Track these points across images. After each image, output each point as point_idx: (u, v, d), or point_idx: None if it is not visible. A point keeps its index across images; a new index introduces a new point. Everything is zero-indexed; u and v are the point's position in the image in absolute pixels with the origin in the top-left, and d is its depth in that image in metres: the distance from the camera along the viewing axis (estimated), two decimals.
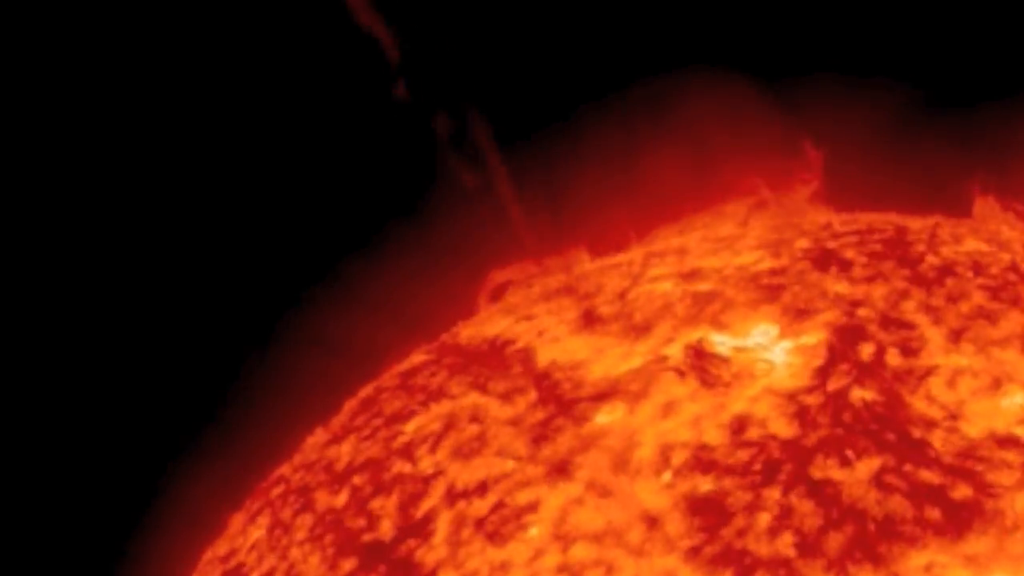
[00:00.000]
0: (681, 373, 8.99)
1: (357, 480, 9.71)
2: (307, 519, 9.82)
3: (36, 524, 12.46)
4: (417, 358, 11.00)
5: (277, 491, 10.62)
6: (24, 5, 12.20)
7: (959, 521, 8.04)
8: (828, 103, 12.76)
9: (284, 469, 11.09)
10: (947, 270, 9.85)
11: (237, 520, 10.91)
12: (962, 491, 8.16)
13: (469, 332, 11.05)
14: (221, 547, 10.75)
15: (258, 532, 10.26)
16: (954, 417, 8.57)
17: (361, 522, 9.29)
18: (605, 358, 9.47)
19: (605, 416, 8.93)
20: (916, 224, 11.02)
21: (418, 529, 8.93)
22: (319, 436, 11.00)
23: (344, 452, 10.24)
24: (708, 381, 8.88)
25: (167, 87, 12.49)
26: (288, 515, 9.99)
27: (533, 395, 9.32)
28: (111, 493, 12.53)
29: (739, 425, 8.59)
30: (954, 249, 10.23)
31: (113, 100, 12.50)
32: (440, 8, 12.66)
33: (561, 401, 9.20)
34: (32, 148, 12.59)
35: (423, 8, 12.60)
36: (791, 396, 8.70)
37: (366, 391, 11.24)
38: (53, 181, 12.65)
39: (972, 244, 10.38)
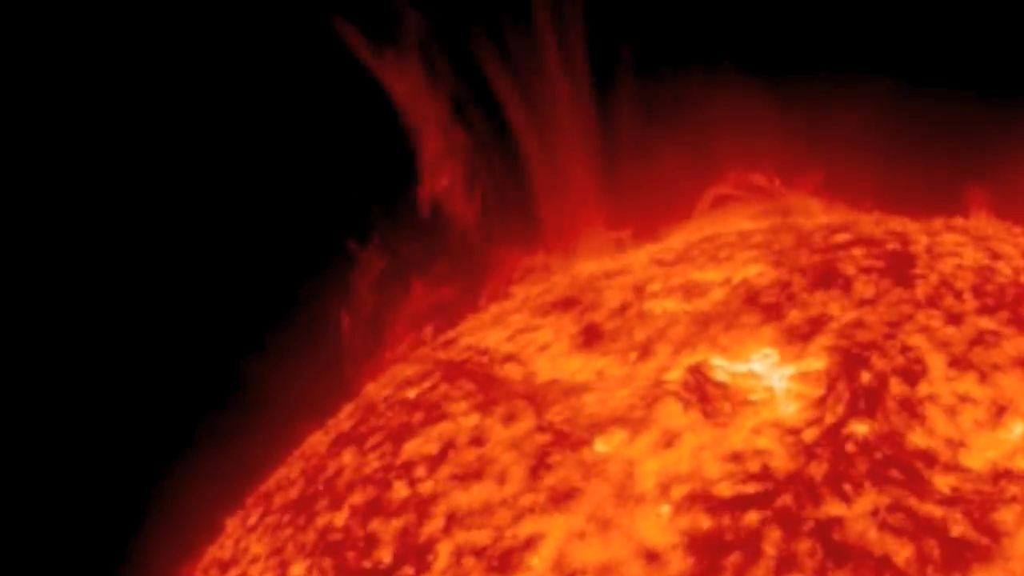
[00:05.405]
0: (682, 400, 8.96)
1: (357, 498, 9.69)
2: (309, 536, 9.81)
3: (37, 525, 12.48)
4: (418, 367, 10.94)
5: (277, 500, 10.61)
6: (24, 5, 12.11)
7: (960, 559, 8.04)
8: (829, 103, 12.70)
9: (283, 472, 11.07)
10: (947, 286, 9.80)
11: (237, 526, 10.90)
12: (963, 528, 8.15)
13: (469, 340, 10.99)
14: (221, 556, 10.74)
15: (258, 547, 10.24)
16: (955, 449, 8.54)
17: (360, 544, 9.28)
18: (606, 381, 9.44)
19: (605, 445, 8.91)
20: (916, 229, 10.95)
21: (418, 556, 8.93)
22: (318, 442, 10.97)
23: (344, 465, 10.20)
24: (708, 411, 8.85)
25: (153, 104, 12.46)
26: (289, 532, 9.98)
27: (533, 419, 9.29)
28: (111, 494, 12.55)
29: (739, 458, 8.57)
30: (954, 263, 10.17)
31: (111, 104, 12.45)
32: (441, 9, 12.58)
33: (561, 426, 9.17)
34: (32, 148, 12.53)
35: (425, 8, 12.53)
36: (791, 429, 8.67)
37: (366, 396, 11.20)
38: (53, 181, 12.60)
39: (971, 256, 10.32)
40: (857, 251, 10.28)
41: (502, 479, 8.99)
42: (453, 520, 8.95)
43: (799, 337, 9.28)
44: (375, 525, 9.30)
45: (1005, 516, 8.21)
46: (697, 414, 8.84)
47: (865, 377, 8.91)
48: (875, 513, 8.18)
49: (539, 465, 8.96)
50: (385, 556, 9.07)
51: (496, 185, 13.23)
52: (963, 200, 11.85)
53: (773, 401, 8.89)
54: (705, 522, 8.30)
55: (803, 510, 8.25)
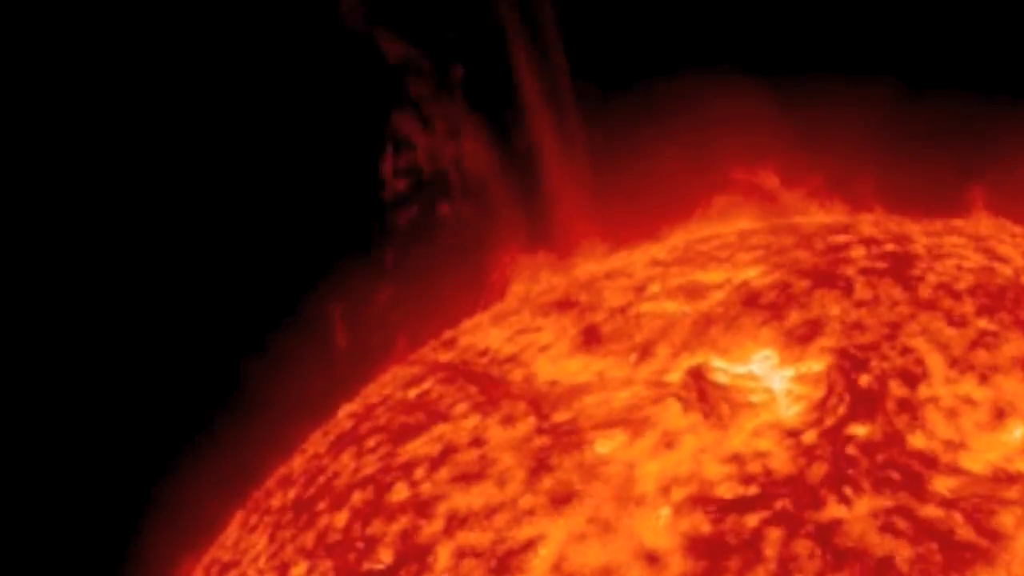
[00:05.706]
0: (682, 402, 8.96)
1: (357, 499, 9.68)
2: (309, 537, 9.81)
3: (37, 525, 12.47)
4: (418, 368, 10.95)
5: (277, 501, 10.61)
6: (24, 5, 12.10)
7: (960, 561, 8.03)
8: (829, 103, 12.69)
9: (283, 472, 11.07)
10: (947, 288, 9.79)
11: (237, 526, 10.90)
12: (963, 530, 8.15)
13: (469, 340, 10.99)
14: (222, 556, 10.74)
15: (258, 548, 10.25)
16: (955, 451, 8.54)
17: (360, 546, 9.27)
18: (606, 383, 9.44)
19: (605, 446, 8.91)
20: (916, 229, 10.95)
21: (418, 558, 8.92)
22: (318, 443, 10.97)
23: (344, 465, 10.20)
24: (709, 412, 8.85)
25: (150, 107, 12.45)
26: (289, 533, 9.97)
27: (533, 420, 9.29)
28: (111, 493, 12.54)
29: (739, 460, 8.57)
30: (954, 264, 10.16)
31: (113, 105, 12.44)
32: (440, 11, 12.58)
33: (562, 428, 9.18)
34: (32, 148, 12.52)
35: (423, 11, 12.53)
36: (791, 431, 8.67)
37: (366, 397, 11.20)
38: (53, 181, 12.59)
39: (972, 257, 10.31)
40: (857, 252, 10.27)
41: (502, 481, 9.00)
42: (453, 521, 8.95)
43: (799, 339, 9.28)
44: (375, 526, 9.29)
45: (1005, 518, 8.21)
46: (697, 416, 8.85)
47: (865, 379, 8.91)
48: (875, 515, 8.18)
49: (539, 467, 8.96)
50: (385, 557, 9.07)
51: (496, 186, 13.23)
52: (963, 200, 11.83)
53: (773, 403, 8.89)
54: (705, 524, 8.30)
55: (803, 512, 8.25)
